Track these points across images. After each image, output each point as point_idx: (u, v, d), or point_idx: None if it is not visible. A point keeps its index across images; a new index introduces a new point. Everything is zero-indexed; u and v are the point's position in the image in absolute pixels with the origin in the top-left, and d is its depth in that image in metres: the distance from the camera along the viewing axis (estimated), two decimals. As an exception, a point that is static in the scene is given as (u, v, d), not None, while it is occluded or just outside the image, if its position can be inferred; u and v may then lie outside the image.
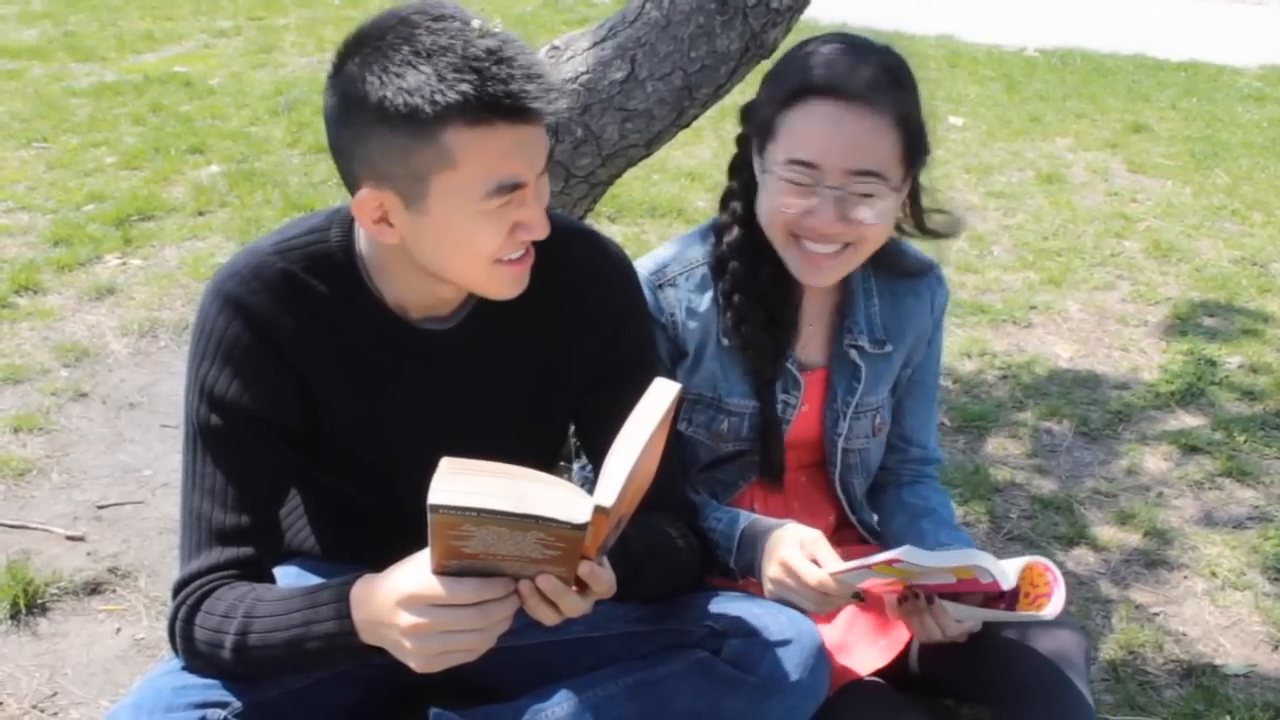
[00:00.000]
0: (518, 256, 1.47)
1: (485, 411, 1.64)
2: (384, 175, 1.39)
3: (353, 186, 1.43)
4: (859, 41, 1.80)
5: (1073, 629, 1.88)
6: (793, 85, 1.74)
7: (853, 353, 1.94)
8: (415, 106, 1.32)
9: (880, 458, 2.06)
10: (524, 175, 1.40)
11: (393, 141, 1.36)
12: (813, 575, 1.66)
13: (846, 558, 1.70)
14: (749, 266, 1.86)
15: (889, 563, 1.60)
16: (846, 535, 2.05)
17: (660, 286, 1.88)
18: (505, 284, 1.49)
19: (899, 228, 1.90)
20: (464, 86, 1.32)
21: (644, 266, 1.89)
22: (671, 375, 1.91)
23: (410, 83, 1.32)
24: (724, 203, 1.91)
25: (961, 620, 1.71)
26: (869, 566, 1.62)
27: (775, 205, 1.76)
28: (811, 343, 1.96)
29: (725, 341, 1.88)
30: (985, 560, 1.59)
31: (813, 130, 1.72)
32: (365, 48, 1.37)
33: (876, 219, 1.74)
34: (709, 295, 1.88)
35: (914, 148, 1.76)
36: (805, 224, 1.75)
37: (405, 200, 1.40)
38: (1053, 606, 1.63)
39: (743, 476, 1.98)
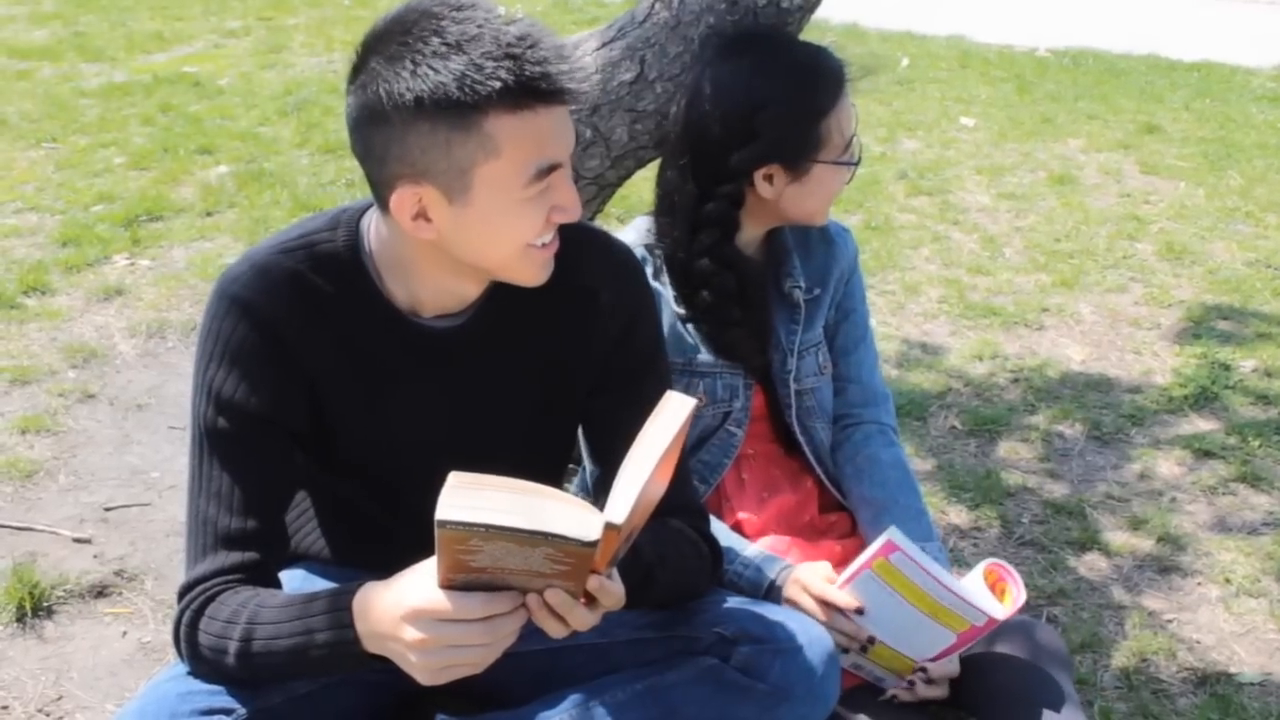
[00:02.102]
0: (549, 240, 1.47)
1: (493, 412, 1.63)
2: (424, 171, 1.37)
3: (386, 188, 1.41)
4: (807, 44, 2.01)
5: (1043, 628, 1.96)
6: (826, 94, 1.89)
7: (796, 293, 2.05)
8: (456, 98, 1.31)
9: (830, 398, 2.13)
10: (561, 157, 1.40)
11: (433, 136, 1.34)
12: (819, 589, 1.81)
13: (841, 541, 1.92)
14: (722, 269, 1.95)
15: (884, 556, 1.70)
16: (839, 523, 2.09)
17: None
18: (536, 269, 1.49)
19: None
20: (503, 73, 1.30)
21: None
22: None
23: (447, 75, 1.30)
24: (707, 219, 1.95)
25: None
26: (869, 566, 1.73)
27: (836, 187, 1.94)
28: None
29: (681, 311, 1.97)
30: (966, 594, 1.72)
31: (850, 110, 1.93)
32: (389, 45, 1.35)
33: None
34: (650, 269, 1.97)
35: None
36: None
37: (447, 194, 1.38)
38: (1013, 599, 1.76)
39: (726, 455, 2.03)
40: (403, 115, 1.33)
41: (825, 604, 1.79)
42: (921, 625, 1.75)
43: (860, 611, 1.76)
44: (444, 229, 1.42)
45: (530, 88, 1.32)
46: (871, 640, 1.80)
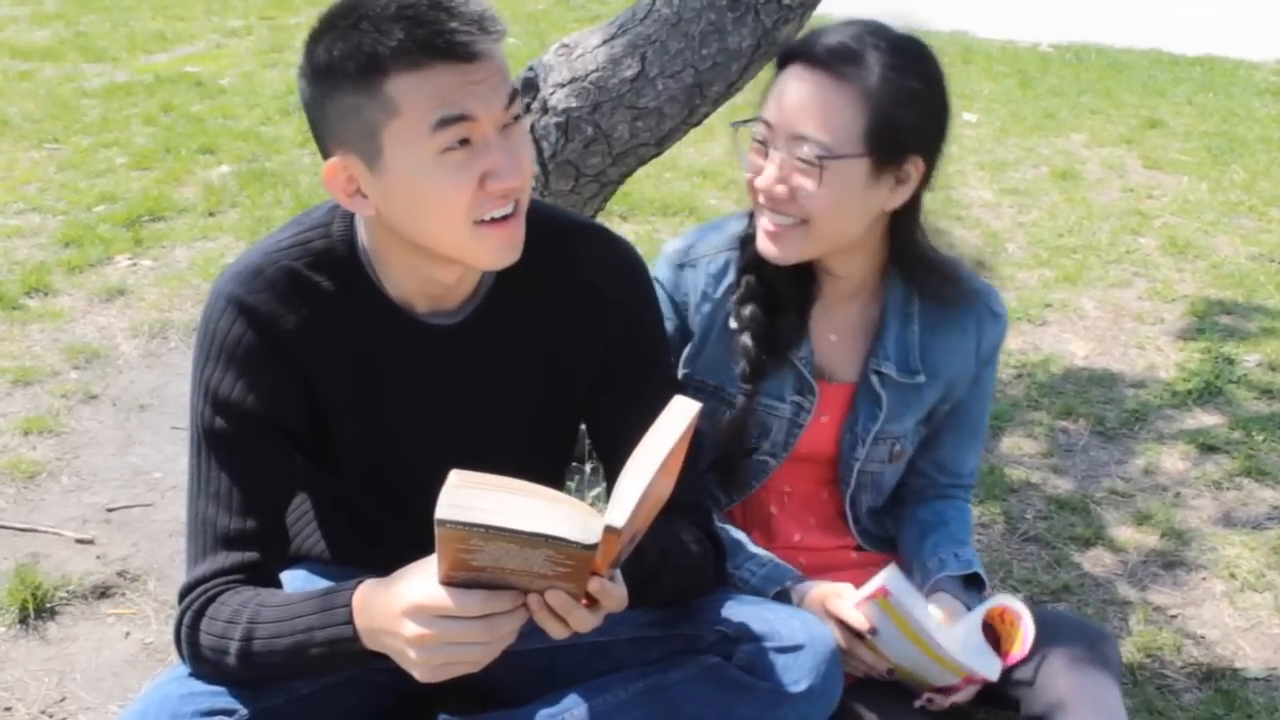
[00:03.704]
0: (500, 216, 1.41)
1: (493, 410, 1.62)
2: (344, 141, 1.40)
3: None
4: (871, 22, 1.76)
5: (1101, 634, 1.88)
6: (782, 52, 1.76)
7: (874, 379, 1.88)
8: (358, 63, 1.34)
9: (894, 481, 2.00)
10: (471, 109, 1.36)
11: (344, 102, 1.37)
12: (834, 607, 1.75)
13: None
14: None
15: (883, 595, 1.67)
16: (867, 558, 2.02)
17: (681, 266, 1.88)
18: (493, 249, 1.43)
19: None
20: (399, 34, 1.33)
21: (672, 245, 1.91)
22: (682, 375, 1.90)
23: (352, 41, 1.35)
24: None
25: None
26: (872, 599, 1.69)
27: (742, 164, 1.77)
28: (841, 358, 1.90)
29: (733, 324, 1.85)
30: (957, 652, 1.69)
31: (777, 90, 1.73)
32: (320, 28, 1.40)
33: (817, 193, 1.68)
34: (726, 282, 1.86)
35: (884, 136, 1.69)
36: (758, 186, 1.73)
37: (366, 162, 1.40)
38: (1022, 643, 1.73)
39: (755, 477, 1.95)
40: (321, 88, 1.39)
41: (843, 626, 1.74)
42: (926, 663, 1.73)
43: (874, 632, 1.72)
44: (378, 203, 1.43)
45: (424, 44, 1.33)
46: (890, 672, 1.78)
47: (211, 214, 4.48)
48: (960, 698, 1.79)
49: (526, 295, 1.56)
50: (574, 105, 2.24)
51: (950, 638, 1.69)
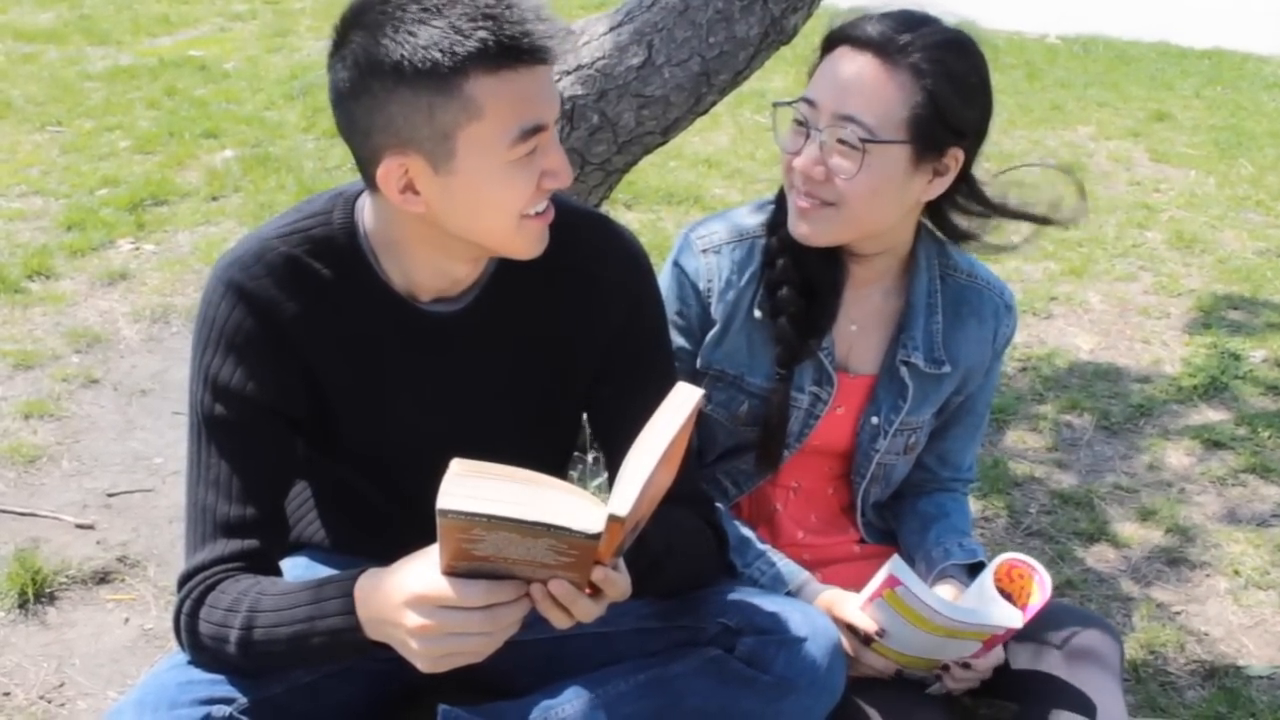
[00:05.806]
0: (542, 210, 1.45)
1: (493, 398, 1.61)
2: (408, 140, 1.35)
3: (371, 162, 1.39)
4: (919, 12, 1.77)
5: (1104, 627, 1.87)
6: (829, 34, 1.74)
7: (903, 369, 1.87)
8: (435, 61, 1.30)
9: (904, 474, 2.00)
10: (546, 118, 1.38)
11: (415, 102, 1.33)
12: (840, 612, 1.73)
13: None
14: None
15: (890, 588, 1.64)
16: (870, 550, 2.01)
17: (705, 251, 1.85)
18: (531, 240, 1.46)
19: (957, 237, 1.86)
20: (482, 34, 1.30)
21: (695, 229, 1.88)
22: (691, 360, 1.87)
23: (426, 38, 1.30)
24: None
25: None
26: (880, 595, 1.67)
27: (780, 144, 1.76)
28: (862, 349, 1.89)
29: (757, 314, 1.82)
30: (975, 616, 1.66)
31: (823, 71, 1.72)
32: (369, 15, 1.34)
33: (856, 177, 1.66)
34: (751, 270, 1.83)
35: (929, 124, 1.68)
36: (796, 167, 1.72)
37: (433, 162, 1.37)
38: (1040, 592, 1.71)
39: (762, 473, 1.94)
40: (384, 83, 1.33)
41: (849, 632, 1.73)
42: (942, 644, 1.71)
43: (882, 634, 1.71)
44: (432, 200, 1.40)
45: (509, 47, 1.31)
46: (899, 673, 1.77)
47: (214, 198, 4.47)
48: (985, 664, 1.76)
49: (528, 283, 1.56)
50: (580, 93, 2.22)
51: (963, 607, 1.69)
